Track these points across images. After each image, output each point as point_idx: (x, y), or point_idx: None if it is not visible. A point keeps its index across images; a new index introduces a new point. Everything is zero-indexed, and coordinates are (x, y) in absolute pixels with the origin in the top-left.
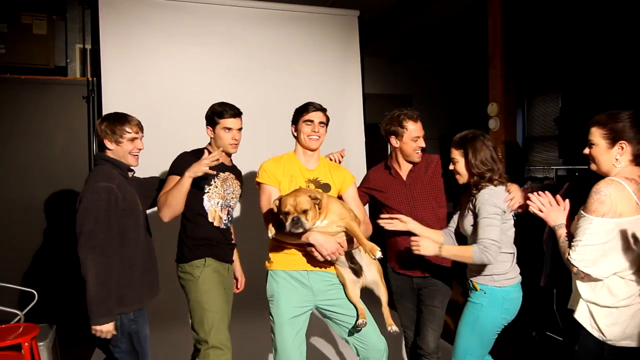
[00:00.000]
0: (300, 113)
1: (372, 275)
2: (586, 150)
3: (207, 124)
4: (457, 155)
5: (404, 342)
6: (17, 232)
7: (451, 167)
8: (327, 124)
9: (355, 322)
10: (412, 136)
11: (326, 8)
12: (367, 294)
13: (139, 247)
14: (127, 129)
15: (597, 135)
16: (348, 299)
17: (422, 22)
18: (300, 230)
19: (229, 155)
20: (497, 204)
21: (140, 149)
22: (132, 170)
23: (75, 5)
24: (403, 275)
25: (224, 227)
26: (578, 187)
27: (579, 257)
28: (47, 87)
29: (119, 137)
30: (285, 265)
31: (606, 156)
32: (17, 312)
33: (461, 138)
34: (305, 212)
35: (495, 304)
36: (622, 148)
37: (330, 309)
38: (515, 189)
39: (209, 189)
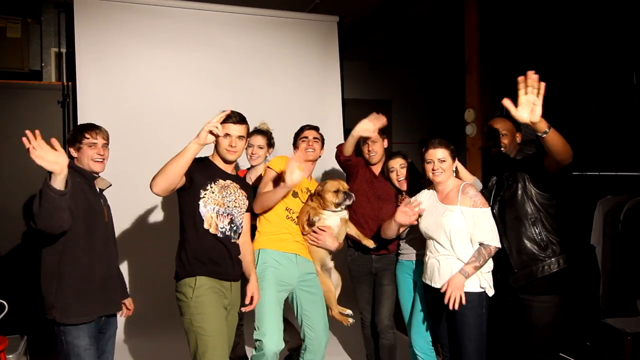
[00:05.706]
0: (297, 133)
1: (335, 279)
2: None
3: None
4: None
5: (361, 324)
6: None
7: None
8: (320, 141)
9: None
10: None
11: (306, 14)
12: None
13: (81, 257)
14: (86, 135)
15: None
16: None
17: (402, 28)
18: (349, 202)
19: (229, 163)
20: None
21: (100, 155)
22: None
23: (51, 9)
24: (364, 257)
25: (222, 235)
26: None
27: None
28: (21, 92)
29: (79, 143)
30: (275, 245)
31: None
32: None
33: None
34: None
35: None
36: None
37: (305, 290)
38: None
39: (205, 194)
